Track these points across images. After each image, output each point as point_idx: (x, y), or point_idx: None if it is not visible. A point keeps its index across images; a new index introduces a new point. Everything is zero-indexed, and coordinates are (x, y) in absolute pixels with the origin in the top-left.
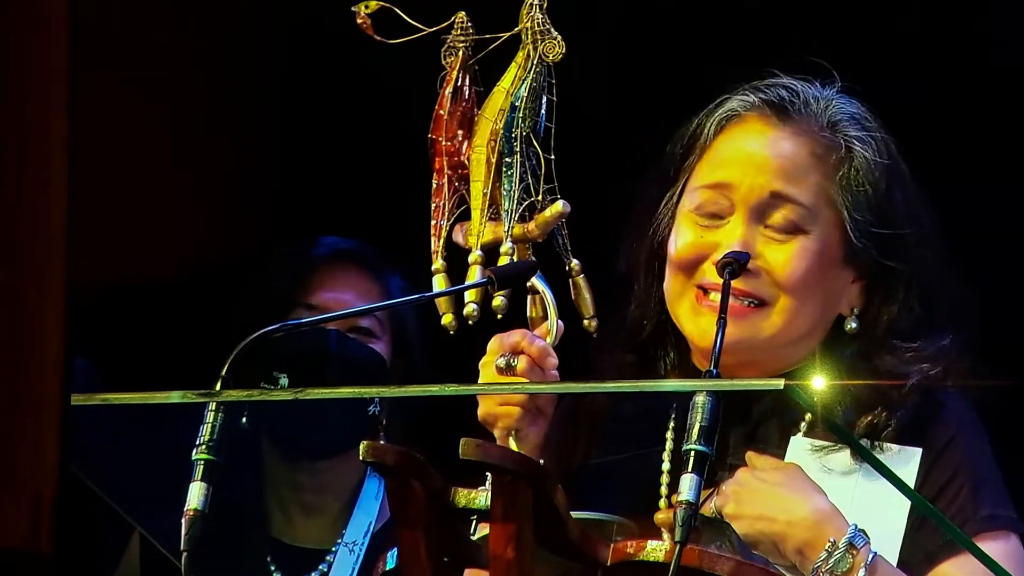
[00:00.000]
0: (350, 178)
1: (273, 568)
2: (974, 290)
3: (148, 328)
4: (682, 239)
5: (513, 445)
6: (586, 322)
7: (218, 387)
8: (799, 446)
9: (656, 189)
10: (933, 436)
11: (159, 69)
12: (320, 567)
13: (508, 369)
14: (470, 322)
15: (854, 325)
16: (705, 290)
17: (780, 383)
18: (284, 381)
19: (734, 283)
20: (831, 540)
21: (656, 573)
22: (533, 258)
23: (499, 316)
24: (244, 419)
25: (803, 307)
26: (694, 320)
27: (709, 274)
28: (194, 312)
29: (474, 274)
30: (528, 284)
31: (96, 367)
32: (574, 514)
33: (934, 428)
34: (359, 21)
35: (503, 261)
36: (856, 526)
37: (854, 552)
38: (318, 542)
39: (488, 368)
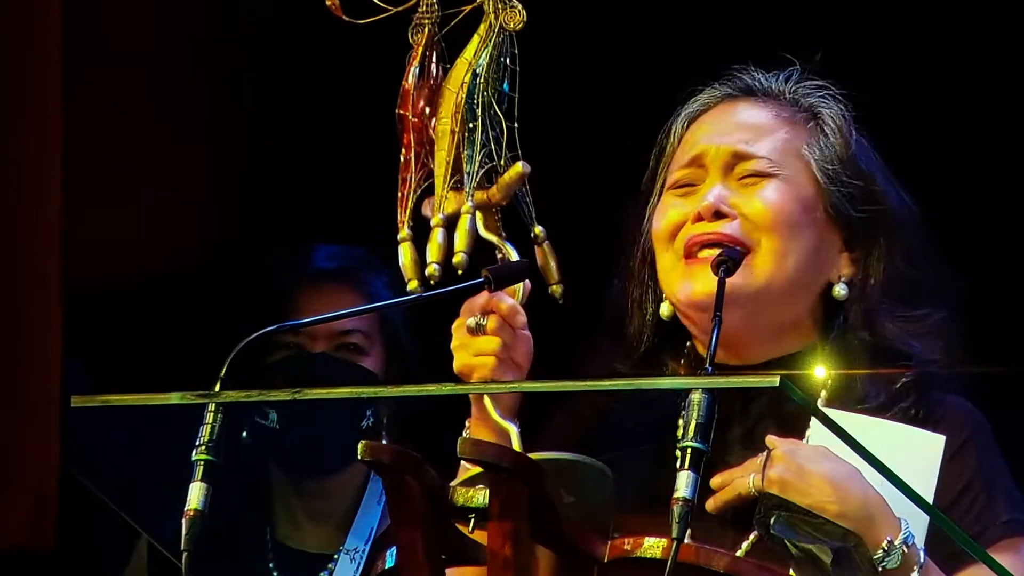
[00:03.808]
0: (347, 181)
1: (276, 572)
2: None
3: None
4: (663, 217)
5: (488, 403)
6: (552, 288)
7: (217, 388)
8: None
9: (638, 211)
10: (948, 432)
11: (156, 70)
12: (322, 574)
13: (478, 329)
14: (432, 282)
15: (844, 292)
16: (689, 252)
17: (776, 379)
18: (274, 416)
19: (713, 229)
20: (888, 539)
21: (653, 569)
22: (499, 223)
23: (460, 272)
24: (244, 435)
25: (789, 246)
26: (682, 280)
27: (690, 230)
28: (192, 314)
29: (436, 237)
30: (497, 253)
31: (87, 368)
32: (535, 455)
33: (948, 425)
34: (328, 3)
35: (463, 220)
36: (907, 523)
37: (907, 551)
38: (322, 547)
39: (460, 331)
